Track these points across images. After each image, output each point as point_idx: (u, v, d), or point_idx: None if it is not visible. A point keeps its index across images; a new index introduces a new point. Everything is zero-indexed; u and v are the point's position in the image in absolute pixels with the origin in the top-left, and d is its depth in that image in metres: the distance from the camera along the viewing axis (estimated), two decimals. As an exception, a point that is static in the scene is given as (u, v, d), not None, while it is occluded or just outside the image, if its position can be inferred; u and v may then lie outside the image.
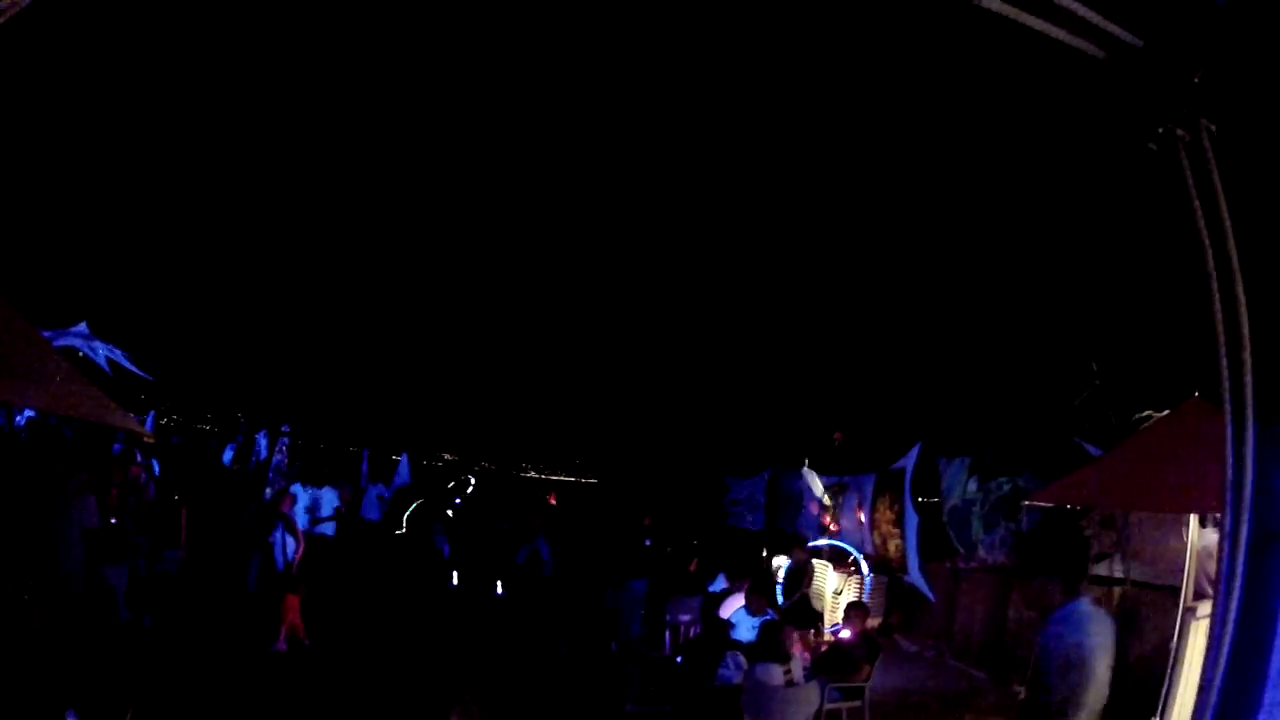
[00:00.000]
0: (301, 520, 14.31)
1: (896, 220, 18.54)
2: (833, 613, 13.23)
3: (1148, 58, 3.02)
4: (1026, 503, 10.00)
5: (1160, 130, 3.00)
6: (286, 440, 17.25)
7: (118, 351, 14.20)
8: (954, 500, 12.52)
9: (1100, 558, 8.81)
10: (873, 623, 11.77)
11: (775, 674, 7.32)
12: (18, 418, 14.25)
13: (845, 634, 9.57)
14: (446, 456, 26.07)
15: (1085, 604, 6.62)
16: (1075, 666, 6.31)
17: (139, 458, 13.39)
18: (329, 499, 14.31)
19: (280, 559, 10.27)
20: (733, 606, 10.08)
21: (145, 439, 10.60)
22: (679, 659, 9.83)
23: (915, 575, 11.52)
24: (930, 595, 11.19)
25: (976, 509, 12.07)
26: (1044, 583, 9.97)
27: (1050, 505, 9.34)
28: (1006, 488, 11.66)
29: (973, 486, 12.37)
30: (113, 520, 10.29)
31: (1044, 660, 6.61)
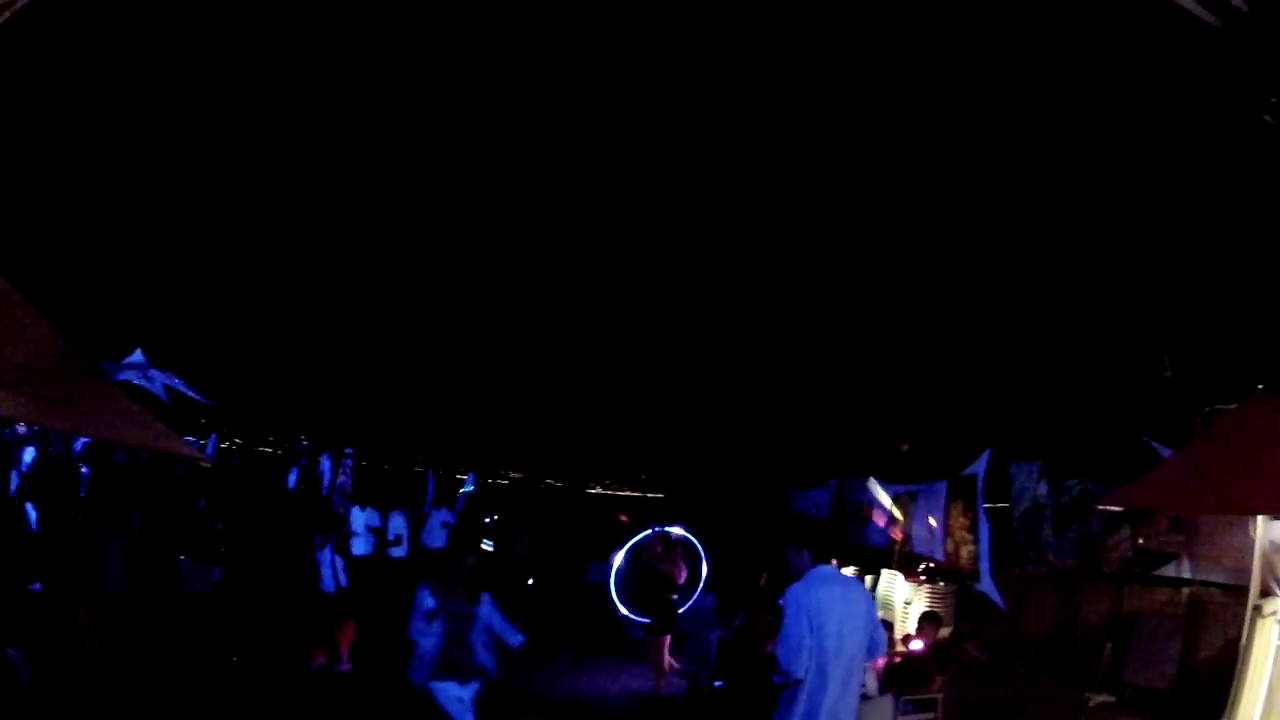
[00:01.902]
0: (366, 543, 14.82)
1: (958, 223, 18.68)
2: (902, 623, 13.63)
3: (1259, 23, 2.89)
4: (1100, 506, 10.06)
5: (1274, 100, 2.86)
6: (350, 463, 17.73)
7: (175, 379, 14.52)
8: (1025, 505, 12.68)
9: (1167, 559, 9.01)
10: (944, 632, 12.09)
11: None
12: (75, 443, 14.96)
13: (917, 645, 9.78)
14: (512, 475, 26.67)
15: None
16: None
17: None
18: (396, 522, 14.64)
19: (330, 580, 10.48)
20: None
21: (202, 464, 10.97)
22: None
23: (987, 582, 11.66)
24: (1001, 603, 11.31)
25: (1048, 513, 12.25)
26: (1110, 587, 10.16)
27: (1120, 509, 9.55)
28: (1077, 490, 11.83)
29: (1043, 490, 12.55)
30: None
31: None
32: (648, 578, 12.56)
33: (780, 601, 5.89)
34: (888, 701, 7.79)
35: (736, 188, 22.55)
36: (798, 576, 5.75)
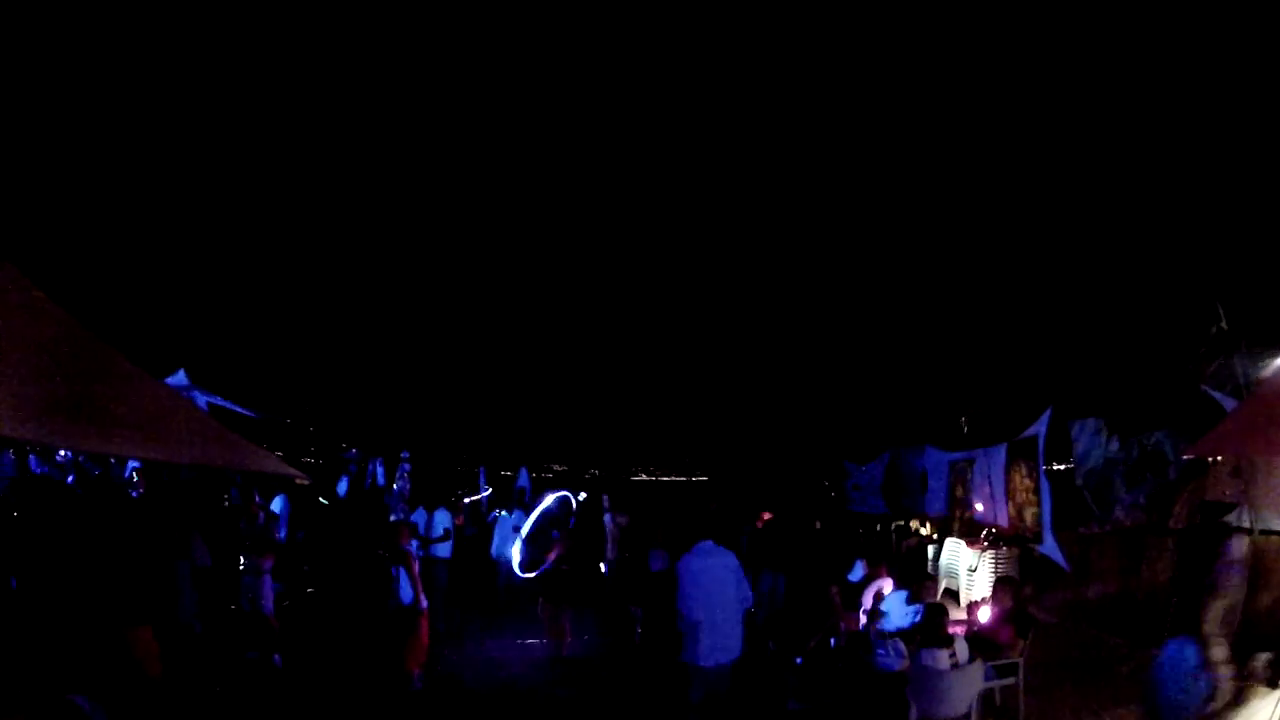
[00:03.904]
0: (448, 545, 14.88)
1: (1008, 183, 19.03)
2: (968, 590, 14.01)
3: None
4: (1184, 456, 10.32)
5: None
6: (407, 466, 18.31)
7: (218, 397, 14.96)
8: (1093, 462, 12.88)
9: (1228, 509, 9.37)
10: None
11: (941, 658, 8.00)
12: (129, 464, 15.60)
13: (985, 612, 10.26)
14: (556, 468, 27.13)
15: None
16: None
17: (257, 498, 14.45)
18: (441, 520, 14.99)
19: (407, 593, 10.41)
20: (877, 593, 10.79)
21: (297, 480, 10.55)
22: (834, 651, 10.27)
23: (1050, 543, 12.01)
24: (1064, 563, 11.66)
25: (1120, 468, 12.55)
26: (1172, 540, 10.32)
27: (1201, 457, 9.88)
28: (1150, 443, 12.13)
29: (1114, 446, 12.79)
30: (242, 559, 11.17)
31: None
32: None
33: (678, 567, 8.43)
34: (977, 668, 8.13)
35: (777, 172, 22.99)
36: (688, 549, 8.55)
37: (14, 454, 13.85)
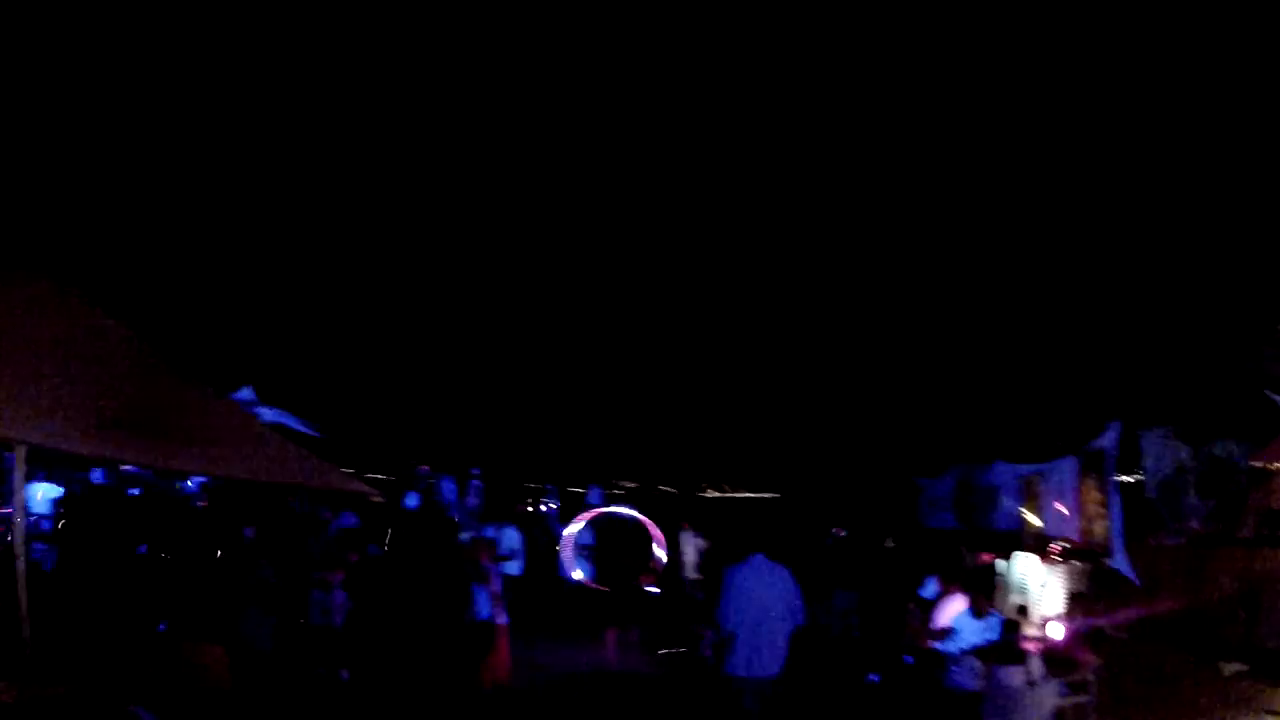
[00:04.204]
0: (519, 563, 14.72)
1: (1063, 194, 19.13)
2: (1038, 605, 14.01)
3: None
4: (1253, 462, 10.45)
5: None
6: (479, 483, 18.47)
7: (285, 414, 15.16)
8: (1165, 472, 12.85)
9: None
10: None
11: (1017, 676, 8.06)
12: (192, 482, 15.63)
13: (1056, 628, 10.15)
14: (626, 484, 27.28)
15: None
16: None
17: (325, 513, 14.48)
18: (510, 537, 14.60)
19: (484, 609, 10.39)
20: (948, 612, 10.33)
21: (373, 499, 11.07)
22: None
23: (1120, 557, 11.83)
24: (1134, 577, 11.53)
25: (1190, 477, 12.41)
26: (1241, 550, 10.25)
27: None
28: (1221, 451, 11.96)
29: (1184, 454, 12.64)
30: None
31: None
32: None
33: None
34: (1052, 687, 8.23)
35: (850, 187, 23.25)
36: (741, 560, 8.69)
37: (74, 468, 13.95)
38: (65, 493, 13.63)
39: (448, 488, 18.30)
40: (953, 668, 9.03)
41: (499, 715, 10.21)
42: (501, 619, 10.31)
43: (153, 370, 6.15)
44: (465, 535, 15.43)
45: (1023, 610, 14.25)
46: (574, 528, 15.85)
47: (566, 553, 16.02)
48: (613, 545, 15.54)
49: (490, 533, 14.69)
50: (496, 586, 10.43)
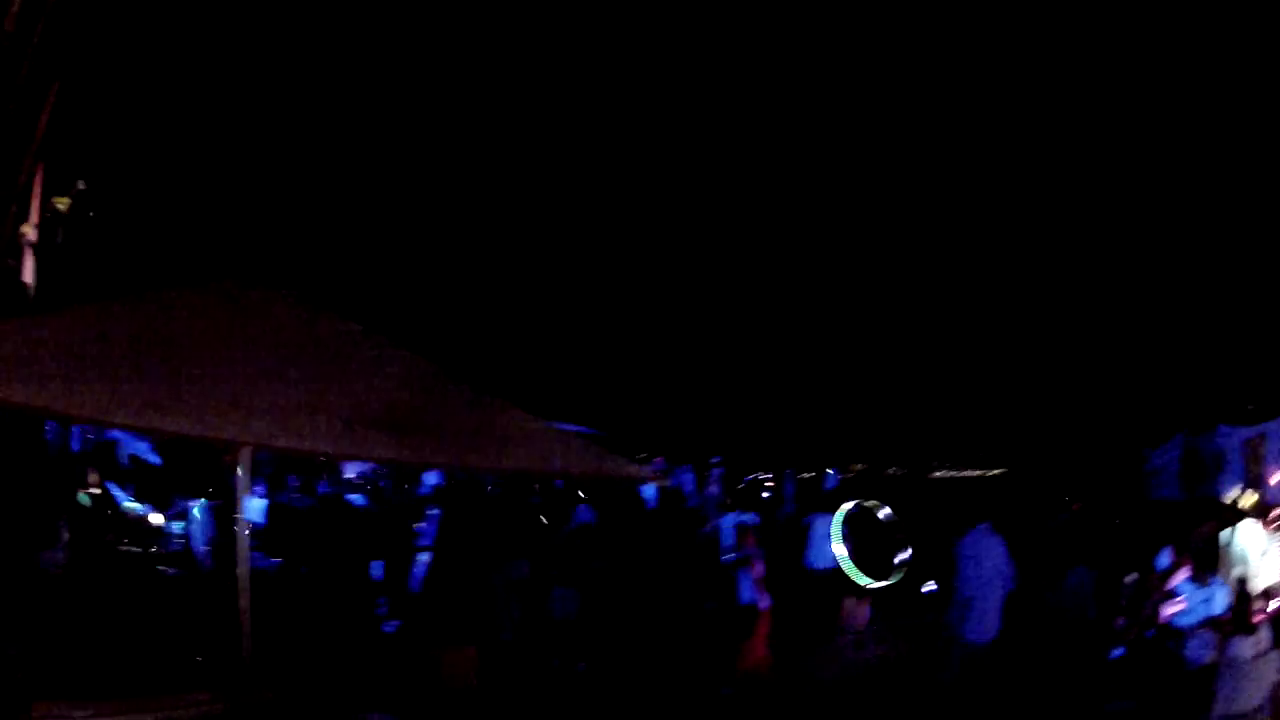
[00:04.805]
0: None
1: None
2: (1257, 576, 13.67)
3: None
4: None
5: None
6: (720, 471, 19.04)
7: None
8: None
9: None
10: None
11: (1247, 647, 7.96)
12: (425, 482, 16.39)
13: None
14: (856, 467, 27.06)
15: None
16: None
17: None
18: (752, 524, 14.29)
19: (747, 594, 10.35)
20: (1176, 582, 10.65)
21: (652, 479, 10.94)
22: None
23: None
24: None
25: None
26: None
27: None
28: None
29: None
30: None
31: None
32: None
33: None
34: (1275, 657, 8.09)
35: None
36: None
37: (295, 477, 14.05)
38: (273, 502, 13.48)
39: (686, 478, 18.45)
40: (1189, 641, 9.11)
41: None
42: (764, 603, 9.82)
43: (407, 370, 6.07)
44: (712, 525, 15.67)
45: (1242, 580, 14.01)
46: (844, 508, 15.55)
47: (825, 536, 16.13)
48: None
49: (731, 520, 14.65)
50: (760, 571, 10.19)
